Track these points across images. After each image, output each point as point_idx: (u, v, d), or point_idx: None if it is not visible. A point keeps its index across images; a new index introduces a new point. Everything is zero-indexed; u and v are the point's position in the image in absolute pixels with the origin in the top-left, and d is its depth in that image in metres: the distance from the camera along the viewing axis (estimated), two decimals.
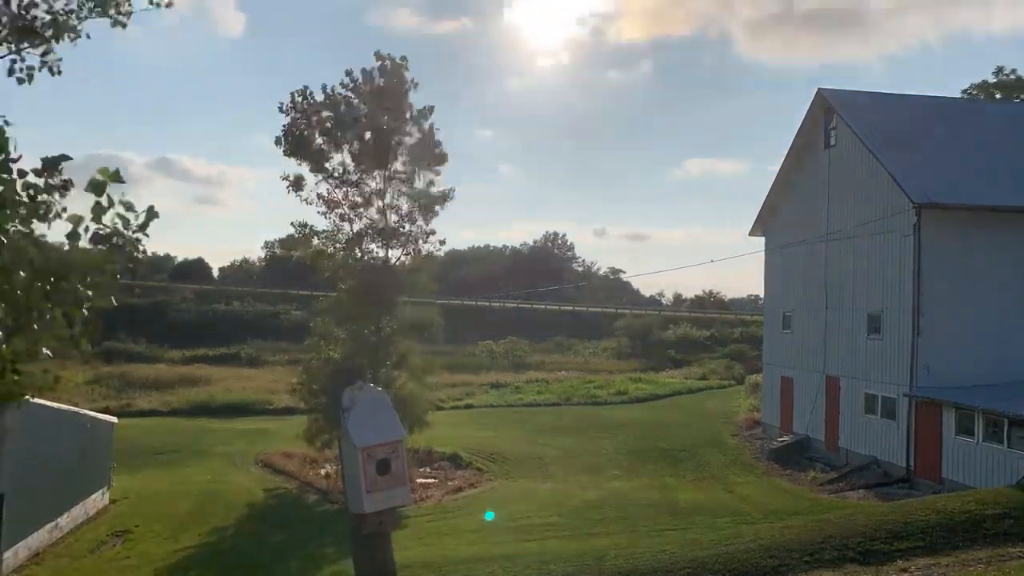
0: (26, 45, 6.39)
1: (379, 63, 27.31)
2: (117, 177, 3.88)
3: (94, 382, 50.69)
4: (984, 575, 10.27)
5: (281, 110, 27.16)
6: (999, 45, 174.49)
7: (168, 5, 6.89)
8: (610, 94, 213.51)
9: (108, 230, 3.93)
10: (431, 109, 27.80)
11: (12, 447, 18.27)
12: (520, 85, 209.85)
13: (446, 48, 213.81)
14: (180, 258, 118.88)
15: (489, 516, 27.46)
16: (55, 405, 22.91)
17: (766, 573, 11.43)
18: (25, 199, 3.80)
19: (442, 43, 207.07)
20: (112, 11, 6.50)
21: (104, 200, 3.82)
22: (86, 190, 3.82)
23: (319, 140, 27.37)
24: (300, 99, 27.12)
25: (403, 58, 27.47)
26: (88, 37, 6.61)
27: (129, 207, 3.89)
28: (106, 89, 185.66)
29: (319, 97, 27.19)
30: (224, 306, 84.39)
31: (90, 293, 4.22)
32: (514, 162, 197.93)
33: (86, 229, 3.90)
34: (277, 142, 27.35)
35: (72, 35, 6.47)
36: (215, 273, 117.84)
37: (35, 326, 4.02)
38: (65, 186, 3.89)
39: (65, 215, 3.89)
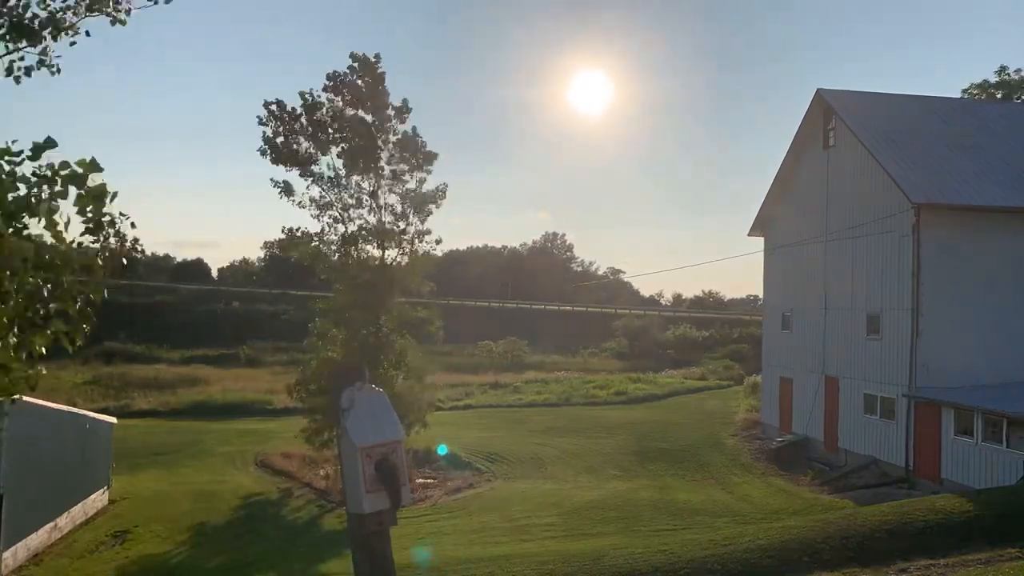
0: (24, 44, 6.37)
1: (353, 62, 27.33)
2: (95, 167, 3.87)
3: (93, 382, 50.71)
4: (984, 574, 10.26)
5: (260, 122, 27.16)
6: (999, 44, 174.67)
7: (167, 1, 6.88)
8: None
9: (93, 223, 3.92)
10: (407, 104, 27.83)
11: (11, 447, 18.27)
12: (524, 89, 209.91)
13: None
14: (180, 258, 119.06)
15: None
16: (54, 406, 22.93)
17: (765, 573, 11.42)
18: (16, 195, 3.79)
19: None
20: (110, 8, 6.48)
21: (84, 192, 3.81)
22: (63, 182, 3.80)
23: (305, 145, 27.36)
24: (276, 108, 27.08)
25: (376, 55, 27.49)
26: (88, 35, 6.60)
27: (99, 195, 3.88)
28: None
29: (297, 103, 27.20)
30: (223, 306, 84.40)
31: (82, 286, 4.22)
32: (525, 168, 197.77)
33: (68, 222, 3.90)
34: (262, 153, 27.36)
35: (71, 32, 6.45)
36: (215, 273, 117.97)
37: (31, 322, 4.01)
38: (55, 174, 3.87)
39: (49, 204, 3.88)
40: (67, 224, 3.93)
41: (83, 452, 24.82)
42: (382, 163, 27.68)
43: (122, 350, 61.21)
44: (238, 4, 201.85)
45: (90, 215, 3.93)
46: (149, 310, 75.34)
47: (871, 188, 27.07)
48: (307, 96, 27.14)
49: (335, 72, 27.30)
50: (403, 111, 27.75)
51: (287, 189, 27.37)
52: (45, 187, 3.84)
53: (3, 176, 3.82)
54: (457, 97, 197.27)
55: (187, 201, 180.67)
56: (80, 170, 3.83)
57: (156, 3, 6.81)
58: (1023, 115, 34.20)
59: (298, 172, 27.44)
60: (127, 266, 4.35)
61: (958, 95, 50.06)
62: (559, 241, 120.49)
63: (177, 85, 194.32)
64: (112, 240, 4.04)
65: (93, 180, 3.85)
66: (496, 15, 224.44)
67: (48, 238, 3.94)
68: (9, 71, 6.42)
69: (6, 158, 3.88)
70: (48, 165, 3.83)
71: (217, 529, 23.35)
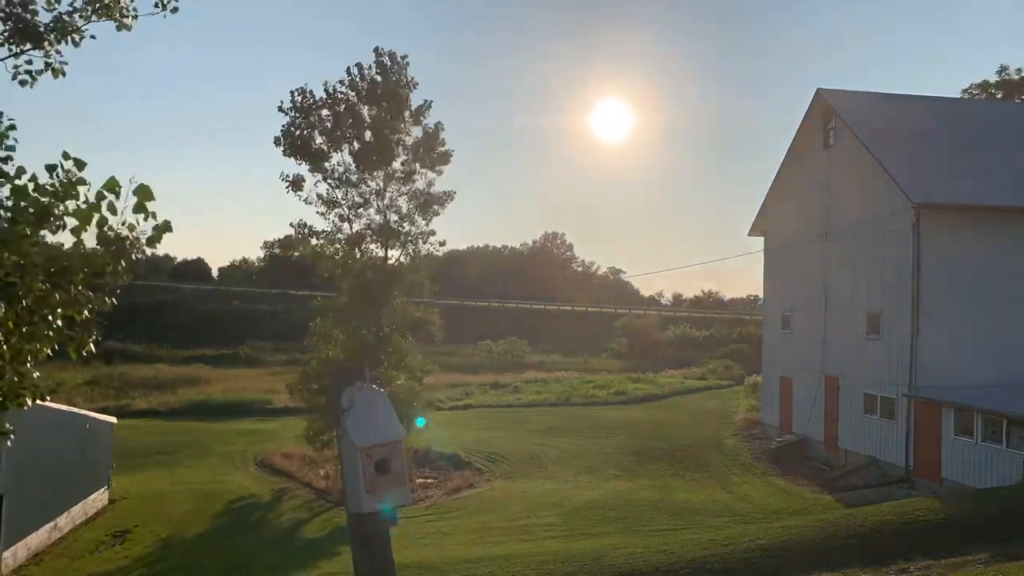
0: (29, 47, 6.39)
1: (377, 59, 27.25)
2: (149, 195, 3.91)
3: (93, 382, 50.73)
4: (984, 574, 10.27)
5: (280, 109, 27.09)
6: (999, 44, 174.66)
7: (174, 10, 6.90)
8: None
9: (113, 234, 3.95)
10: (429, 104, 27.81)
11: (11, 447, 18.27)
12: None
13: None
14: (180, 258, 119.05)
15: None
16: (54, 406, 22.92)
17: (766, 573, 11.44)
18: (33, 209, 3.82)
19: None
20: (116, 14, 6.50)
21: (119, 203, 3.84)
22: (101, 189, 3.83)
23: (319, 140, 27.31)
24: (300, 98, 27.05)
25: (403, 56, 27.46)
26: (93, 38, 6.62)
27: (146, 216, 3.91)
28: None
29: (320, 95, 27.18)
30: (224, 306, 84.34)
31: (91, 294, 4.24)
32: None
33: (99, 223, 3.91)
34: (276, 142, 27.26)
35: (76, 37, 6.47)
36: (215, 273, 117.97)
37: (38, 327, 4.03)
38: (79, 184, 3.90)
39: (72, 210, 3.91)
40: (127, 233, 3.98)
41: (83, 452, 24.84)
42: (395, 164, 27.71)
43: (122, 350, 61.16)
44: (242, 9, 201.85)
45: (112, 228, 3.97)
46: (149, 310, 75.25)
47: (871, 188, 27.07)
48: (328, 89, 27.17)
49: (359, 64, 27.28)
50: (421, 112, 27.74)
51: (296, 184, 27.30)
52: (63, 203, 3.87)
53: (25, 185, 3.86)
54: (460, 98, 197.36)
55: (186, 201, 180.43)
56: (136, 197, 3.87)
57: (164, 9, 6.81)
58: (1023, 115, 34.22)
59: (309, 167, 27.41)
60: (127, 268, 4.37)
61: (958, 95, 50.12)
62: (559, 241, 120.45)
63: (174, 83, 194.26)
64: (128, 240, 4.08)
65: (132, 197, 3.88)
66: (502, 22, 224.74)
67: (68, 244, 3.99)
68: (14, 75, 6.44)
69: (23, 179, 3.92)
70: (79, 179, 3.87)
71: (207, 531, 23.34)
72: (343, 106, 27.15)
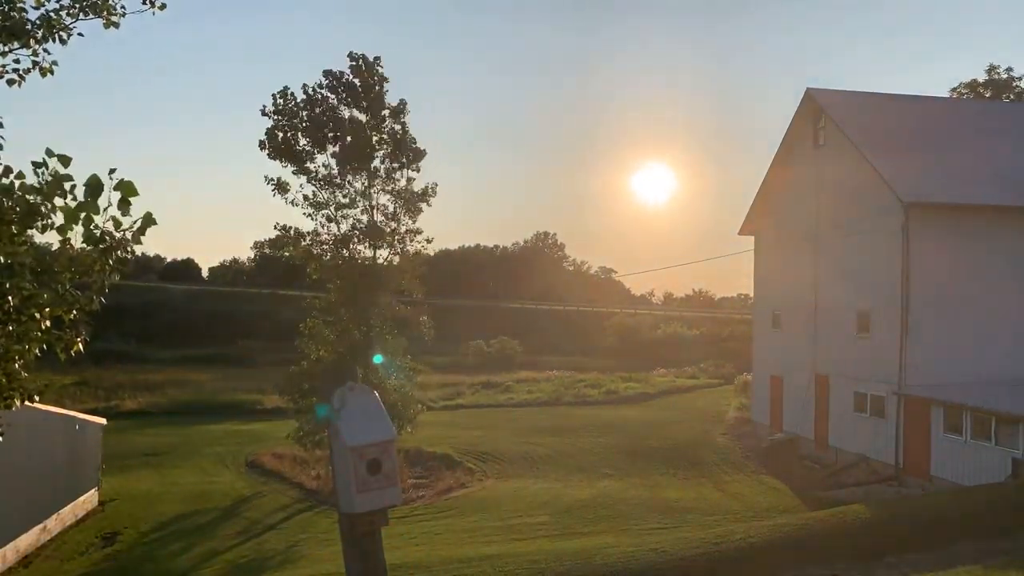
0: (16, 46, 6.35)
1: (352, 63, 27.37)
2: (133, 191, 3.88)
3: (82, 383, 50.39)
4: (972, 571, 10.35)
5: (263, 113, 27.06)
6: (988, 44, 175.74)
7: (162, 7, 6.87)
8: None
9: (99, 231, 3.93)
10: (404, 104, 27.91)
11: None
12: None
13: None
14: (170, 258, 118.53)
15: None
16: (43, 407, 22.79)
17: (757, 570, 11.49)
18: (19, 209, 3.80)
19: None
20: (104, 11, 6.46)
21: (102, 201, 3.82)
22: (84, 187, 3.81)
23: (302, 142, 27.29)
24: (282, 101, 27.02)
25: (376, 58, 27.54)
26: (81, 35, 6.58)
27: (126, 211, 3.89)
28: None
29: (300, 97, 27.16)
30: (214, 306, 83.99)
31: (79, 294, 4.22)
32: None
33: (85, 221, 3.89)
34: (261, 145, 27.23)
35: (64, 34, 6.43)
36: (205, 273, 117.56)
37: (27, 327, 4.01)
38: (65, 180, 3.88)
39: (59, 210, 3.90)
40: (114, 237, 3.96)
41: (72, 454, 24.71)
42: (376, 163, 27.69)
43: (112, 351, 60.78)
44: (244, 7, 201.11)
45: (98, 226, 3.95)
46: (139, 310, 74.81)
47: (861, 187, 27.19)
48: (308, 91, 27.14)
49: (333, 71, 27.30)
50: (399, 111, 27.76)
51: (281, 186, 27.24)
52: (50, 201, 3.85)
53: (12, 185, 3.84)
54: (450, 95, 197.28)
55: (175, 201, 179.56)
56: (119, 192, 3.86)
57: (152, 7, 6.79)
58: (1012, 114, 34.45)
59: (292, 170, 27.34)
60: (115, 267, 4.34)
61: (947, 95, 50.41)
62: (550, 240, 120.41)
63: (162, 77, 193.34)
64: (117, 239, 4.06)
65: (115, 195, 3.87)
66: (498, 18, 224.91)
67: (56, 244, 3.97)
68: (0, 75, 6.39)
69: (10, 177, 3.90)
70: (65, 176, 3.85)
71: (194, 532, 23.27)
72: (322, 107, 27.18)
